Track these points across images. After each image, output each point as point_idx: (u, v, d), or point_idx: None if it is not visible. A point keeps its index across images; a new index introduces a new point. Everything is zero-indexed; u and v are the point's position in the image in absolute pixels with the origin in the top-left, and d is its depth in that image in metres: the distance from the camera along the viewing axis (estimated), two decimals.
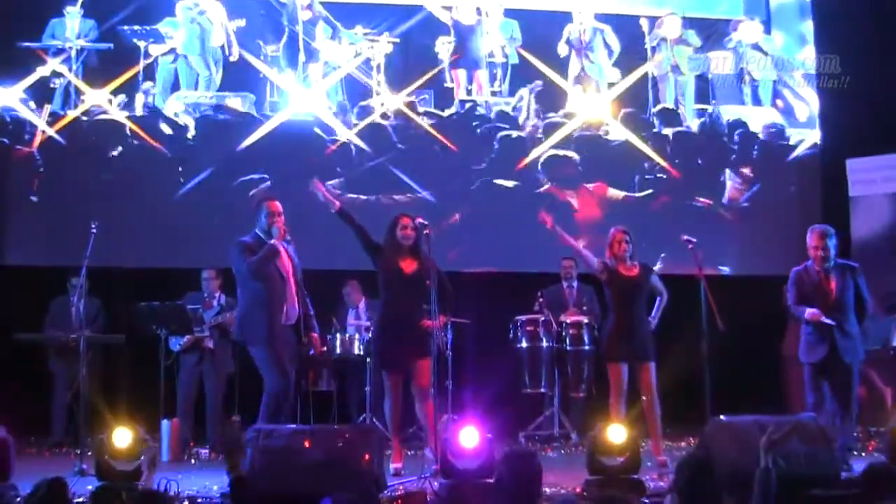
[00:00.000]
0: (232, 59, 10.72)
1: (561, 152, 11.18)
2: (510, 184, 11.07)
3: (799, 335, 7.91)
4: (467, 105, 11.15)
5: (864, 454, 8.39)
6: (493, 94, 11.22)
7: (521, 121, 11.20)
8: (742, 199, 11.52)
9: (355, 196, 10.63)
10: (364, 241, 7.68)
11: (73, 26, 10.47)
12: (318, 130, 10.80)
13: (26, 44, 10.38)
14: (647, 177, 11.24)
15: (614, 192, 11.21)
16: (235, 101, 10.72)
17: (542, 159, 11.15)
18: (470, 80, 11.19)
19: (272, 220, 7.35)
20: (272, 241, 7.25)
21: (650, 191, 11.25)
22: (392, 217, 7.78)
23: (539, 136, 11.17)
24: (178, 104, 10.64)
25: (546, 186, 11.13)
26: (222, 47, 10.73)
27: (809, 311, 7.59)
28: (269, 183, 10.49)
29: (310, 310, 7.57)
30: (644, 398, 7.83)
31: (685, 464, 4.42)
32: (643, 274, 7.93)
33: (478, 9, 11.24)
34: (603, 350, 8.13)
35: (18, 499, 5.88)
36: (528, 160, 11.12)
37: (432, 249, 7.53)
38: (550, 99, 11.30)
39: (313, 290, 9.71)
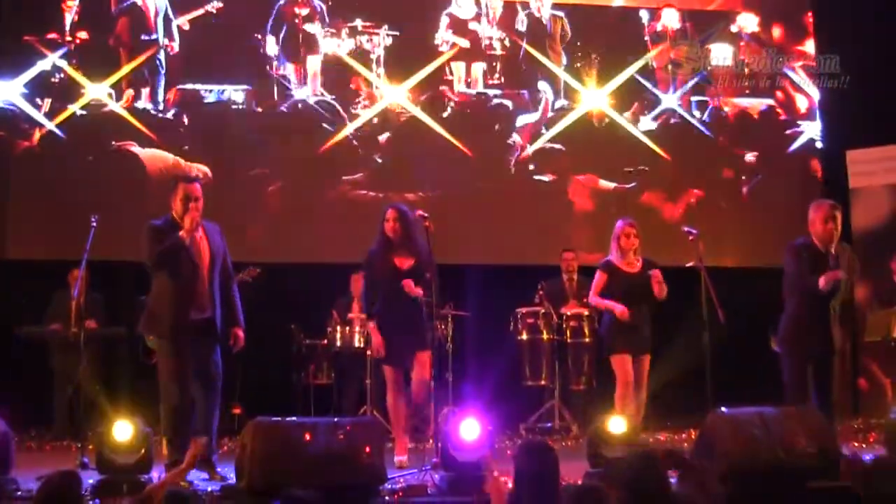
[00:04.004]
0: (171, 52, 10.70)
1: (550, 145, 11.19)
2: (511, 176, 11.07)
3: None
4: (467, 98, 11.13)
5: (864, 445, 8.40)
6: (492, 86, 11.19)
7: (539, 113, 11.18)
8: (743, 191, 11.52)
9: (364, 192, 10.67)
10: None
11: (73, 20, 10.46)
12: (320, 124, 10.80)
13: (27, 37, 10.36)
14: (643, 168, 11.24)
15: (605, 184, 11.23)
16: (235, 94, 10.72)
17: (532, 152, 11.14)
18: (468, 73, 11.16)
19: (186, 206, 6.66)
20: (180, 234, 6.61)
21: (635, 183, 11.26)
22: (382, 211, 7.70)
23: (540, 128, 11.18)
24: (178, 97, 10.63)
25: (539, 178, 11.14)
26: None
27: (828, 275, 7.05)
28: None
29: (236, 301, 7.01)
30: (635, 389, 7.82)
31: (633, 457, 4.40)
32: (645, 269, 7.91)
33: (477, 2, 11.22)
34: (605, 343, 8.05)
35: (19, 492, 5.88)
36: (528, 152, 11.12)
37: (433, 243, 7.42)
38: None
39: (318, 282, 9.78)
